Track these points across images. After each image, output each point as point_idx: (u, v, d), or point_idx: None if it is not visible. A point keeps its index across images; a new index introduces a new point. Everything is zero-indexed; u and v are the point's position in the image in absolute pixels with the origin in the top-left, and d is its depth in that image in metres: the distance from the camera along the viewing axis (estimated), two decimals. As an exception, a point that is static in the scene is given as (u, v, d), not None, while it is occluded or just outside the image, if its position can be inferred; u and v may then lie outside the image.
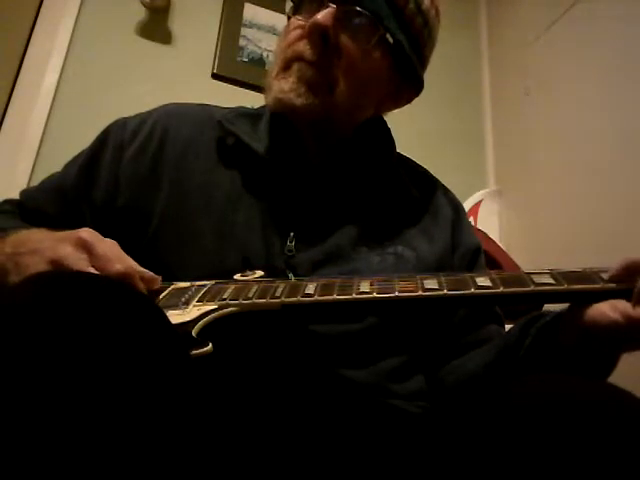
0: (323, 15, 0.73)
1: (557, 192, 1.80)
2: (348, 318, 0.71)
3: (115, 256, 0.58)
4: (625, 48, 1.64)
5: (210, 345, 0.53)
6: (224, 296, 0.61)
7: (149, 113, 0.85)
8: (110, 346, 0.42)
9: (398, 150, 0.89)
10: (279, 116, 0.80)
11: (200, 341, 0.54)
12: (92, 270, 0.56)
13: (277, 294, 0.60)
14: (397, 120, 0.87)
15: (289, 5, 0.81)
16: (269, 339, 0.66)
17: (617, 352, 0.59)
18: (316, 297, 0.59)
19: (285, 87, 0.75)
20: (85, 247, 0.57)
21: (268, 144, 0.79)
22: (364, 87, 0.79)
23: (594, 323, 0.55)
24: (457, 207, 0.90)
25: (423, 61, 0.83)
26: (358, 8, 0.74)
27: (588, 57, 1.77)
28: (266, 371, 0.65)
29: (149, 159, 0.79)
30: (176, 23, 1.87)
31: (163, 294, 0.65)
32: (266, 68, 1.89)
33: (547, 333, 0.62)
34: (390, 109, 0.87)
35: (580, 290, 0.56)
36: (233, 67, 1.89)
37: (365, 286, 0.60)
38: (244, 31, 1.94)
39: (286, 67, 0.76)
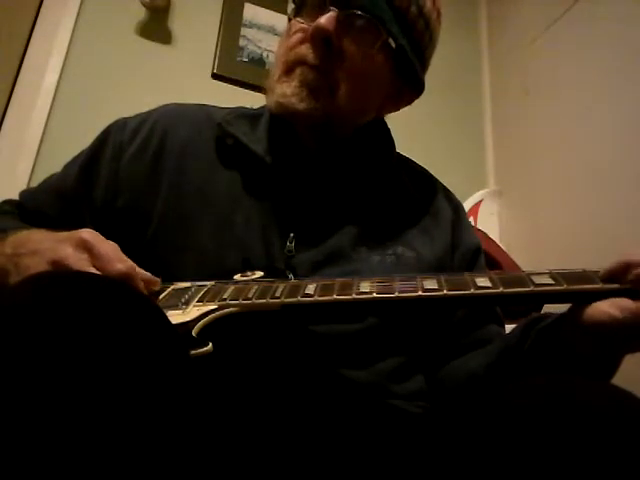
0: (326, 19, 0.73)
1: (557, 192, 1.81)
2: (348, 318, 0.71)
3: (116, 256, 0.58)
4: (625, 48, 1.64)
5: (210, 345, 0.53)
6: (224, 296, 0.61)
7: (149, 113, 0.85)
8: (110, 346, 0.42)
9: (398, 150, 0.89)
10: (279, 118, 0.80)
11: (200, 341, 0.54)
12: (93, 270, 0.56)
13: (277, 294, 0.60)
14: (397, 120, 0.87)
15: (290, 7, 0.81)
16: (269, 339, 0.66)
17: (619, 353, 0.59)
18: (316, 297, 0.59)
19: (287, 91, 0.74)
20: (86, 247, 0.58)
21: (267, 145, 0.79)
22: (366, 91, 0.79)
23: (594, 321, 0.55)
24: (457, 207, 0.90)
25: (424, 64, 0.83)
26: (361, 12, 0.74)
27: (588, 57, 1.77)
28: (266, 371, 0.65)
29: (149, 159, 0.79)
30: (176, 23, 1.87)
31: (163, 294, 0.65)
32: (266, 68, 1.92)
33: (548, 335, 0.62)
34: (391, 111, 0.86)
35: (579, 290, 0.56)
36: (233, 67, 1.89)
37: (365, 286, 0.60)
38: (244, 31, 1.94)
39: (288, 70, 0.76)
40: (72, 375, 0.39)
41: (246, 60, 1.92)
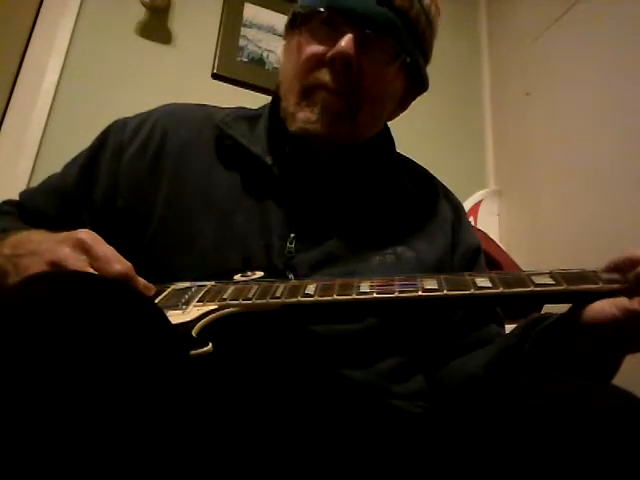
0: (346, 43, 0.72)
1: (557, 192, 1.80)
2: (348, 318, 0.71)
3: (114, 257, 0.58)
4: (625, 48, 1.64)
5: (210, 345, 0.53)
6: (224, 296, 0.62)
7: (149, 113, 0.85)
8: (110, 346, 0.42)
9: (398, 150, 0.89)
10: (279, 118, 0.80)
11: (200, 341, 0.54)
12: (91, 271, 0.56)
13: (277, 294, 0.60)
14: (397, 120, 0.87)
15: (291, 12, 0.80)
16: (269, 339, 0.66)
17: (619, 353, 0.59)
18: (316, 297, 0.59)
19: (312, 117, 0.74)
20: (84, 248, 0.58)
21: (267, 146, 0.79)
22: (384, 108, 0.81)
23: (594, 321, 0.55)
24: (457, 207, 0.90)
25: (428, 58, 0.84)
26: (378, 33, 0.74)
27: (588, 57, 1.77)
28: (266, 371, 0.65)
29: (149, 160, 0.79)
30: (176, 23, 1.87)
31: (163, 294, 0.65)
32: (266, 68, 1.92)
33: (548, 335, 0.62)
34: (399, 114, 0.87)
35: (579, 290, 0.56)
36: (233, 67, 1.89)
37: (365, 286, 0.60)
38: (244, 31, 1.94)
39: (307, 94, 0.75)
40: (71, 375, 0.39)
41: (246, 60, 1.92)
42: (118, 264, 0.57)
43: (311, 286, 0.61)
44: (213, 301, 0.61)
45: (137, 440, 0.40)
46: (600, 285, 0.56)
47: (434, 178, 0.93)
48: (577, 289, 0.56)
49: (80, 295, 0.45)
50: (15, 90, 1.66)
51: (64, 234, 0.60)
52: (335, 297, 0.59)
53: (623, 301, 0.54)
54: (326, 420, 0.64)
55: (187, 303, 0.62)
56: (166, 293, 0.65)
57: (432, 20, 0.79)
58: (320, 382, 0.67)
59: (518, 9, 2.18)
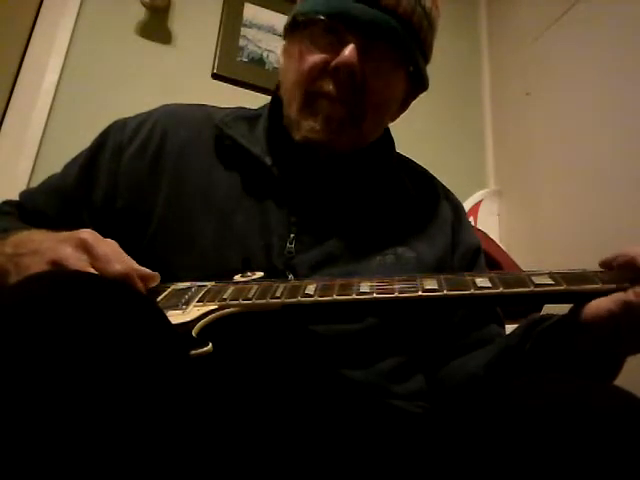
0: (350, 53, 0.71)
1: (557, 192, 1.80)
2: (348, 318, 0.71)
3: (115, 257, 0.58)
4: (625, 48, 1.64)
5: (210, 345, 0.53)
6: (224, 296, 0.62)
7: (148, 114, 0.85)
8: (110, 346, 0.42)
9: (398, 150, 0.89)
10: (278, 118, 0.80)
11: (200, 341, 0.54)
12: (92, 271, 0.56)
13: (277, 294, 0.60)
14: (397, 120, 0.87)
15: (291, 14, 0.79)
16: (269, 340, 0.66)
17: (620, 353, 0.59)
18: (316, 297, 0.59)
19: (316, 126, 0.74)
20: (85, 248, 0.58)
21: (266, 146, 0.79)
22: (387, 114, 0.81)
23: (592, 317, 0.55)
24: (457, 207, 0.90)
25: (428, 59, 0.84)
26: (383, 42, 0.74)
27: (588, 57, 1.77)
28: (266, 371, 0.65)
29: (148, 160, 0.79)
30: (176, 23, 1.87)
31: (163, 294, 0.65)
32: (266, 68, 1.92)
33: (550, 336, 0.62)
34: (399, 116, 0.87)
35: (579, 291, 0.56)
36: (233, 67, 1.89)
37: (365, 286, 0.60)
38: (244, 31, 1.94)
39: (309, 103, 0.75)
40: (71, 375, 0.39)
41: (246, 60, 1.92)
42: (119, 264, 0.57)
43: (311, 286, 0.61)
44: (213, 301, 0.61)
45: (137, 440, 0.40)
46: (600, 285, 0.56)
47: (434, 178, 0.93)
48: (577, 289, 0.56)
49: (80, 295, 0.45)
50: (15, 90, 1.66)
51: (66, 234, 0.60)
52: (335, 297, 0.59)
53: (619, 295, 0.54)
54: (326, 420, 0.64)
55: (187, 303, 0.62)
56: (166, 293, 0.65)
57: (433, 22, 0.79)
58: (320, 382, 0.67)
59: (518, 9, 2.18)
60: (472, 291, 0.57)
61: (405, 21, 0.74)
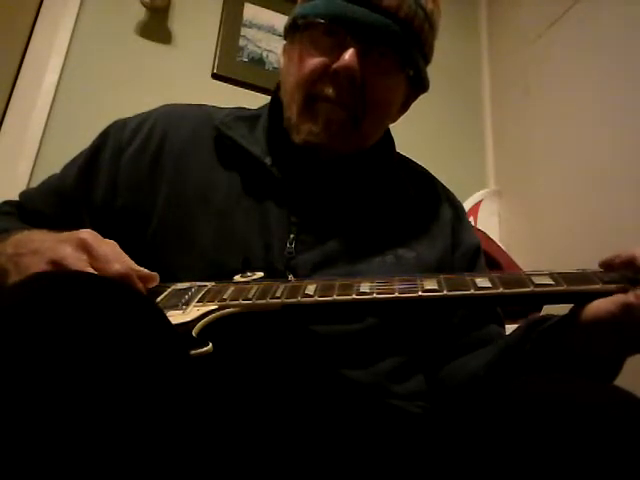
0: (350, 57, 0.71)
1: (557, 192, 1.80)
2: (348, 318, 0.71)
3: (114, 257, 0.58)
4: (625, 48, 1.64)
5: (210, 345, 0.53)
6: (224, 296, 0.62)
7: (148, 114, 0.85)
8: (109, 346, 0.42)
9: (398, 150, 0.89)
10: (278, 119, 0.80)
11: (200, 341, 0.54)
12: (91, 271, 0.56)
13: (277, 295, 0.60)
14: (397, 120, 0.87)
15: (291, 15, 0.79)
16: (269, 340, 0.66)
17: (620, 353, 0.59)
18: (316, 298, 0.59)
19: (315, 130, 0.74)
20: (85, 248, 0.58)
21: (266, 147, 0.79)
22: (387, 116, 0.81)
23: (593, 318, 0.55)
24: (457, 207, 0.90)
25: (429, 60, 0.83)
26: (382, 46, 0.73)
27: (588, 57, 1.77)
28: (266, 371, 0.65)
29: (148, 160, 0.79)
30: (176, 23, 1.87)
31: (163, 294, 0.65)
32: (266, 68, 1.91)
33: (550, 336, 0.62)
34: (399, 117, 0.87)
35: (579, 291, 0.56)
36: (233, 67, 1.89)
37: (365, 287, 0.60)
38: (244, 31, 1.94)
39: (309, 106, 0.75)
40: (70, 375, 0.39)
41: (246, 60, 1.92)
42: (118, 264, 0.57)
43: (311, 286, 0.61)
44: (213, 301, 0.61)
45: (137, 440, 0.40)
46: (600, 285, 0.56)
47: (434, 178, 0.93)
48: (577, 289, 0.56)
49: (80, 295, 0.45)
50: (15, 90, 1.66)
51: (66, 234, 0.60)
52: (335, 297, 0.59)
53: (619, 296, 0.54)
54: (326, 420, 0.64)
55: (187, 303, 0.62)
56: (166, 293, 0.65)
57: (434, 24, 0.79)
58: (320, 382, 0.67)
59: (518, 9, 2.18)
60: (472, 291, 0.57)
61: (406, 24, 0.74)
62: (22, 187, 1.39)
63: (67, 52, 1.70)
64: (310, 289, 0.60)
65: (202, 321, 0.58)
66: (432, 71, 0.84)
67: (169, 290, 0.66)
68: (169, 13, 1.86)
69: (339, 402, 0.67)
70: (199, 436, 0.47)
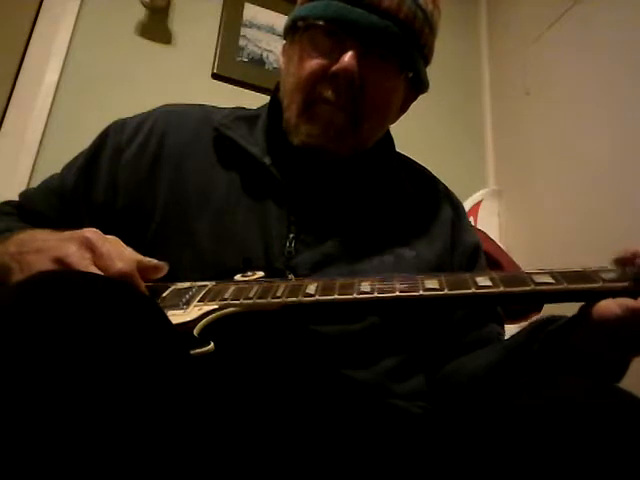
0: (349, 60, 0.71)
1: (557, 192, 1.80)
2: (349, 318, 0.71)
3: (118, 255, 0.58)
4: (625, 48, 1.64)
5: (212, 344, 0.53)
6: (225, 296, 0.62)
7: (148, 114, 0.85)
8: (110, 345, 0.42)
9: (398, 150, 0.89)
10: (277, 119, 0.80)
11: (201, 341, 0.54)
12: (94, 269, 0.56)
13: (278, 294, 0.60)
14: (397, 120, 0.87)
15: (291, 16, 0.79)
16: (270, 339, 0.66)
17: (626, 355, 0.59)
18: (317, 297, 0.59)
19: (314, 132, 0.74)
20: (88, 246, 0.57)
21: (265, 147, 0.79)
22: (387, 118, 0.81)
23: (601, 319, 0.55)
24: (457, 206, 0.90)
25: (429, 61, 0.83)
26: (382, 48, 0.73)
27: (588, 57, 1.77)
28: (267, 371, 0.65)
29: (148, 160, 0.79)
30: (176, 23, 1.87)
31: (164, 294, 0.65)
32: (266, 68, 1.91)
33: (557, 337, 0.62)
34: (399, 118, 0.87)
35: (579, 290, 0.56)
36: (233, 67, 1.89)
37: (366, 286, 0.60)
38: (244, 31, 1.94)
39: (309, 108, 0.75)
40: (71, 374, 0.39)
41: (246, 60, 1.92)
42: (121, 262, 0.57)
43: (312, 286, 0.61)
44: (214, 301, 0.61)
45: (138, 440, 0.40)
46: (601, 284, 0.56)
47: (434, 178, 0.93)
48: (577, 288, 0.56)
49: (82, 295, 0.45)
50: (15, 90, 1.66)
51: (69, 232, 0.60)
52: (336, 297, 0.59)
53: (627, 300, 0.54)
54: (327, 419, 0.64)
55: (188, 303, 0.62)
56: (167, 293, 0.65)
57: (434, 25, 0.79)
58: (321, 381, 0.67)
59: (518, 9, 2.18)
60: (473, 290, 0.57)
61: (406, 26, 0.74)
62: (22, 187, 1.38)
63: (67, 52, 1.70)
64: (311, 288, 0.60)
65: (203, 321, 0.58)
66: (432, 71, 0.84)
67: (170, 290, 0.66)
68: (169, 13, 1.86)
69: (340, 401, 0.67)
70: (200, 436, 0.47)
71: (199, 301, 0.62)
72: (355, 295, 0.59)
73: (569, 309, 0.62)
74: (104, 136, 0.84)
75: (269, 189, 0.77)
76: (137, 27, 1.82)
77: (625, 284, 0.55)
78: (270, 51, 1.94)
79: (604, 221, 1.58)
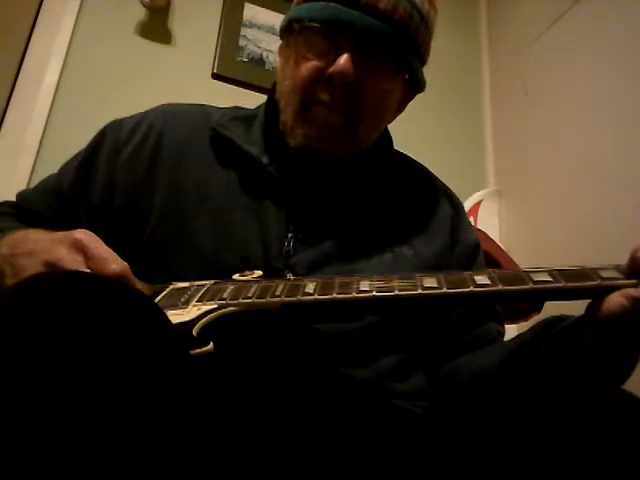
0: (345, 62, 0.71)
1: (557, 192, 1.80)
2: (348, 317, 0.71)
3: (110, 256, 0.57)
4: (625, 48, 1.64)
5: (211, 344, 0.53)
6: (224, 296, 0.62)
7: (145, 113, 0.85)
8: (110, 346, 0.42)
9: (398, 150, 0.89)
10: (274, 118, 0.80)
11: (200, 340, 0.54)
12: (87, 271, 0.55)
13: (277, 293, 0.60)
14: (397, 120, 0.87)
15: (287, 23, 0.79)
16: (269, 338, 0.66)
17: (634, 352, 0.59)
18: (316, 296, 0.59)
19: (310, 134, 0.74)
20: (80, 248, 0.57)
21: (263, 146, 0.79)
22: (383, 119, 0.81)
23: (608, 312, 0.54)
24: (456, 205, 0.90)
25: (425, 61, 0.83)
26: (378, 50, 0.73)
27: (588, 57, 1.77)
28: (267, 370, 0.65)
29: (145, 160, 0.79)
30: (176, 23, 1.87)
31: (162, 294, 0.65)
32: (266, 68, 1.92)
33: (565, 336, 0.61)
34: (395, 118, 0.87)
35: (577, 288, 0.56)
36: (233, 67, 1.89)
37: (365, 285, 0.60)
38: (244, 31, 1.94)
39: (305, 110, 0.75)
40: (69, 377, 0.39)
41: (246, 60, 1.92)
42: (114, 264, 0.56)
43: (311, 285, 0.61)
44: (212, 300, 0.61)
45: (137, 439, 0.40)
46: (599, 282, 0.56)
47: (434, 176, 0.93)
48: (575, 286, 0.56)
49: (78, 296, 0.44)
50: (15, 90, 1.66)
51: (61, 234, 0.60)
52: (335, 296, 0.59)
53: (629, 290, 0.54)
54: (327, 418, 0.64)
55: (186, 303, 0.62)
56: (165, 293, 0.65)
57: (430, 25, 0.79)
58: (320, 380, 0.67)
59: (518, 9, 2.18)
60: (471, 289, 0.57)
61: (402, 28, 0.74)
62: (22, 187, 1.37)
63: (67, 52, 1.70)
64: (310, 287, 0.60)
65: (202, 320, 0.58)
66: (432, 71, 0.84)
67: (168, 289, 0.66)
68: (169, 13, 1.86)
69: (340, 400, 0.67)
70: (200, 435, 0.47)
71: (198, 301, 0.62)
72: (354, 294, 0.59)
73: (569, 309, 0.62)
74: (101, 136, 0.84)
75: (267, 188, 0.77)
76: (137, 27, 1.82)
77: (624, 281, 0.55)
78: (270, 51, 1.94)
79: (604, 221, 1.58)
